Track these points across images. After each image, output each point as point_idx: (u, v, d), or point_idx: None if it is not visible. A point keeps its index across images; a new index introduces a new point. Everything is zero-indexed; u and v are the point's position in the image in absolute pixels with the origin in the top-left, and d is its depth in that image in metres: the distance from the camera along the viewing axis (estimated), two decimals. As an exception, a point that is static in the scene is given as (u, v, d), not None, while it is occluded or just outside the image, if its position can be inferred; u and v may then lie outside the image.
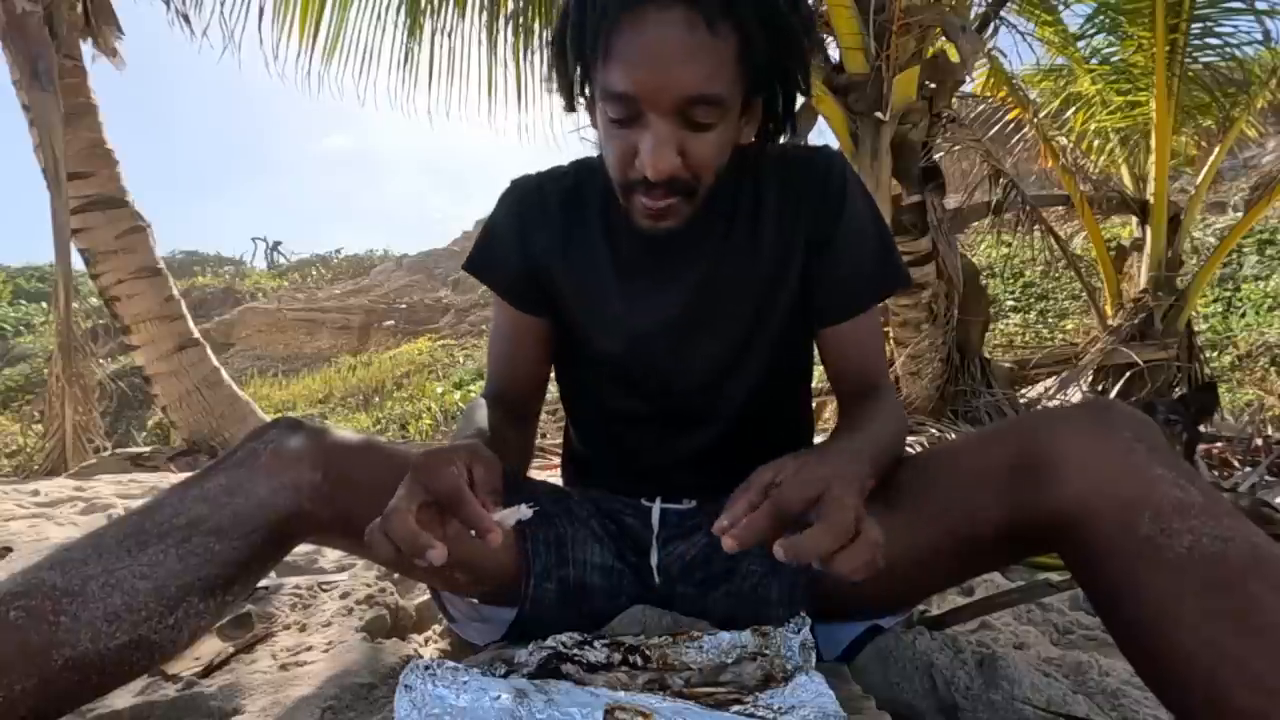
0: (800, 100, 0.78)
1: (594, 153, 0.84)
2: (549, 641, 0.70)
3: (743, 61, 0.66)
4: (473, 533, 0.56)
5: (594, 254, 0.84)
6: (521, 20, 3.75)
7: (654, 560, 0.84)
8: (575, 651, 0.69)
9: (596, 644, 0.70)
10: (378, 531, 0.55)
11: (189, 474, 0.69)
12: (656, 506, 0.87)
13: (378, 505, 0.72)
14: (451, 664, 0.56)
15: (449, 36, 3.76)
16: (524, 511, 0.61)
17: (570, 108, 0.76)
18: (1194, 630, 0.50)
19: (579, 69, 0.71)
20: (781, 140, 0.79)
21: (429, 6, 3.69)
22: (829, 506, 0.54)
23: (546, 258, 0.85)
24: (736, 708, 0.58)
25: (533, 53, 3.80)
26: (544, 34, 3.78)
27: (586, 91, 0.74)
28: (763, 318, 0.84)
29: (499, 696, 0.52)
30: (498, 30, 3.78)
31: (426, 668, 0.54)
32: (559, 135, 3.96)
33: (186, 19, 3.87)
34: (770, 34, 0.66)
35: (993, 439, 0.67)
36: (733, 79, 0.67)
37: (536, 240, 0.86)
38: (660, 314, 0.83)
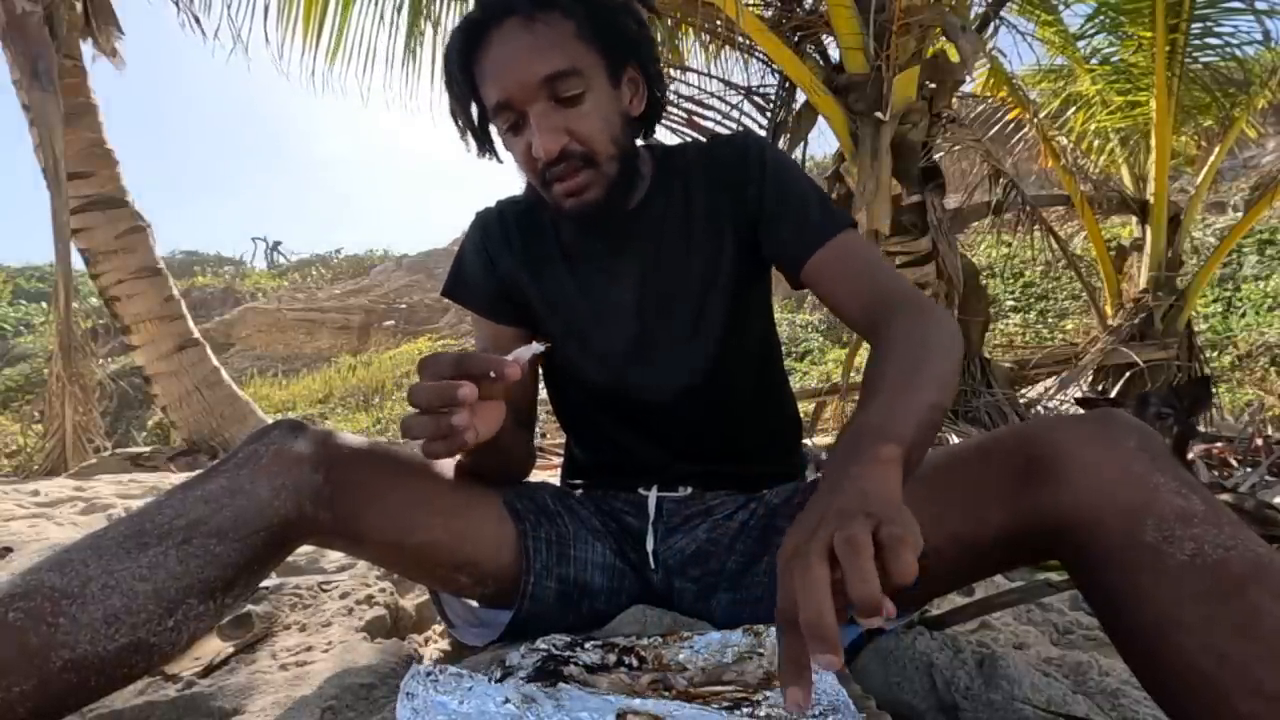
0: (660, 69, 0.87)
1: None
2: (539, 644, 0.70)
3: (581, 37, 0.75)
4: (492, 374, 0.60)
5: (555, 270, 0.90)
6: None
7: (650, 545, 0.84)
8: (567, 653, 0.69)
9: (588, 645, 0.70)
10: (407, 418, 0.59)
11: (190, 474, 0.69)
12: (653, 495, 0.88)
13: (380, 507, 0.73)
14: (455, 670, 0.55)
15: (448, 39, 3.77)
16: (536, 346, 0.65)
17: (483, 151, 0.87)
18: (1195, 637, 0.50)
19: (473, 113, 0.82)
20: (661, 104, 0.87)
21: (429, 8, 3.70)
22: (781, 586, 0.46)
23: (513, 277, 0.92)
24: (747, 708, 0.57)
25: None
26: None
27: (489, 125, 0.83)
28: (706, 304, 0.87)
29: (505, 701, 0.52)
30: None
31: (428, 674, 0.54)
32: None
33: (198, 20, 3.88)
34: (591, 7, 0.75)
35: (995, 445, 0.67)
36: (579, 52, 0.75)
37: (502, 261, 0.92)
38: (619, 311, 0.88)
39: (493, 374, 0.60)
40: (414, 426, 0.59)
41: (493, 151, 0.87)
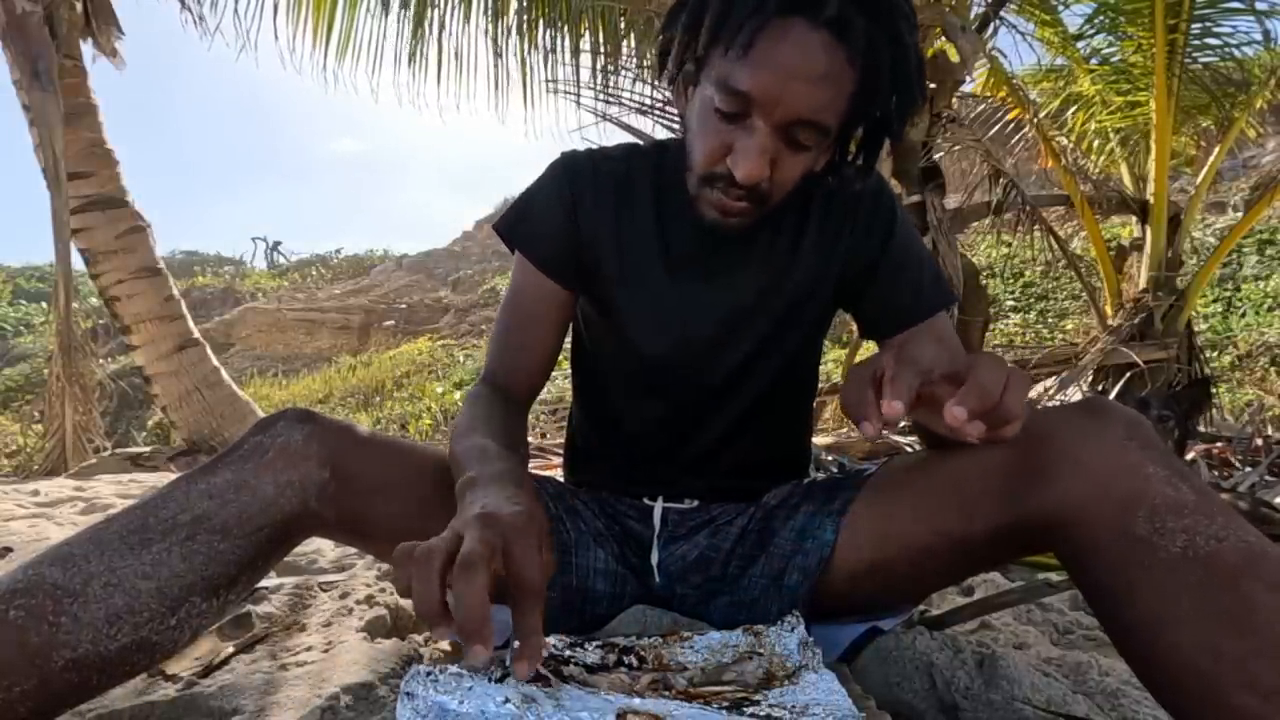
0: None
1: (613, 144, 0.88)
2: None
3: (854, 100, 0.68)
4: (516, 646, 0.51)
5: (644, 245, 0.84)
6: (525, 19, 3.77)
7: (655, 559, 0.84)
8: (568, 653, 0.68)
9: (588, 645, 0.70)
10: (435, 559, 0.48)
11: (194, 466, 0.68)
12: (658, 506, 0.87)
13: (385, 504, 0.72)
14: (455, 669, 0.55)
15: (453, 38, 3.80)
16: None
17: (661, 77, 0.77)
18: (1190, 631, 0.50)
19: (701, 49, 0.69)
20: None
21: (434, 10, 3.72)
22: (971, 374, 0.55)
23: (595, 237, 0.84)
24: (751, 709, 0.57)
25: (536, 52, 3.83)
26: (547, 36, 3.80)
27: (688, 69, 0.72)
28: (784, 329, 0.86)
29: (505, 701, 0.52)
30: (502, 32, 3.81)
31: (428, 674, 0.53)
32: (564, 135, 4.01)
33: (202, 18, 3.89)
34: (892, 85, 0.68)
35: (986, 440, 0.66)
36: (841, 112, 0.68)
37: (586, 216, 0.85)
38: (704, 313, 0.84)
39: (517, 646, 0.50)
40: (416, 581, 0.47)
41: (670, 81, 0.76)
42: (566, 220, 0.85)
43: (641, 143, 0.91)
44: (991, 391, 0.54)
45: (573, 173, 0.86)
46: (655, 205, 0.85)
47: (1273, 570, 0.49)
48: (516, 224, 0.87)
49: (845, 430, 3.84)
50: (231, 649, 0.92)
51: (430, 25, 3.77)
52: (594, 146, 0.91)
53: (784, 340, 0.86)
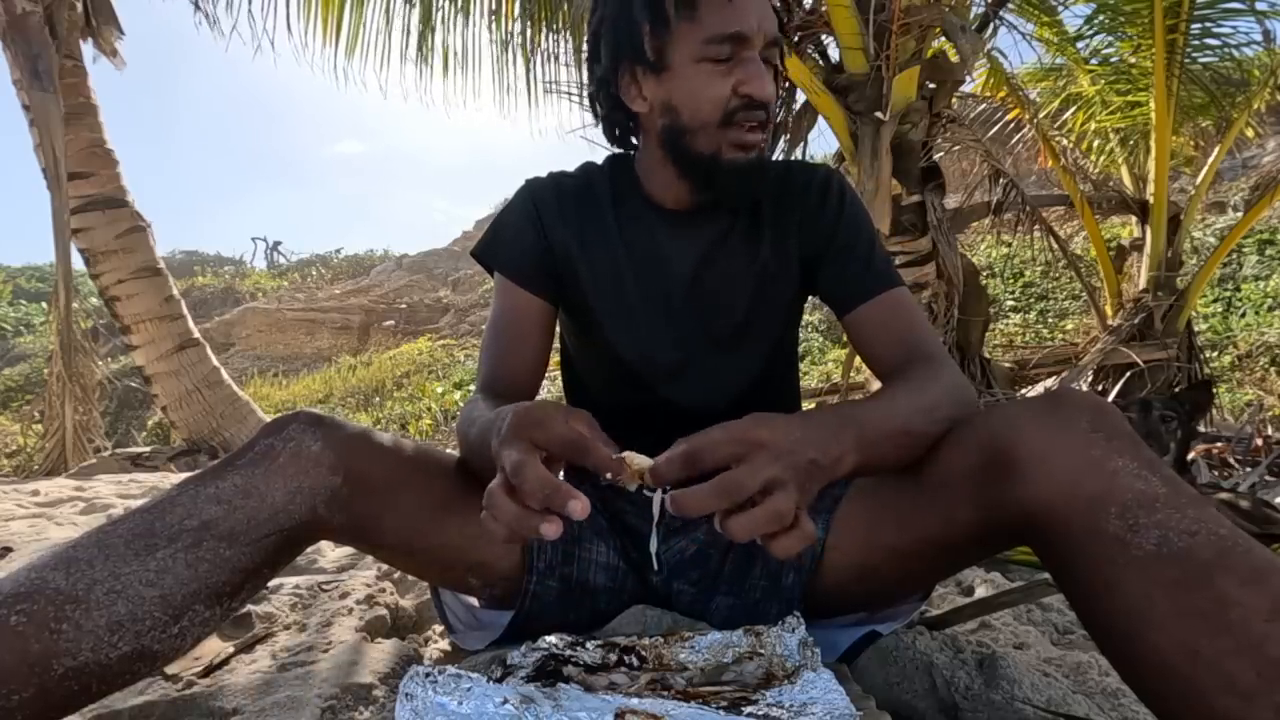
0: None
1: (594, 154, 0.96)
2: (541, 643, 0.70)
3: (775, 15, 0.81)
4: (608, 476, 0.57)
5: (609, 248, 0.89)
6: (529, 22, 3.79)
7: (653, 547, 0.84)
8: (569, 652, 0.68)
9: (589, 645, 0.70)
10: (498, 493, 0.54)
11: (201, 469, 0.67)
12: (657, 497, 0.87)
13: (396, 511, 0.72)
14: (454, 670, 0.55)
15: (457, 40, 3.83)
16: (646, 461, 0.60)
17: (600, 103, 0.86)
18: (1167, 631, 0.49)
19: (660, 36, 0.78)
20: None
21: (438, 12, 3.74)
22: (733, 471, 0.55)
23: (564, 248, 0.90)
24: (749, 708, 0.57)
25: (539, 54, 3.85)
26: (549, 40, 3.83)
27: (643, 67, 0.80)
28: (756, 313, 0.89)
29: (504, 702, 0.52)
30: (506, 35, 3.84)
31: (427, 675, 0.53)
32: (565, 136, 4.03)
33: (216, 20, 3.89)
34: None
35: (958, 440, 0.66)
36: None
37: (554, 230, 0.90)
38: (674, 307, 0.88)
39: (609, 475, 0.58)
40: (501, 511, 0.53)
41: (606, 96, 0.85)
42: (536, 236, 0.90)
43: (596, 160, 0.97)
44: (695, 508, 0.55)
45: (536, 193, 0.92)
46: (615, 209, 0.90)
47: (1245, 563, 0.48)
48: (491, 247, 0.93)
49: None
50: (231, 649, 0.92)
51: (434, 27, 3.80)
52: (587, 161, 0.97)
53: (758, 325, 0.89)
